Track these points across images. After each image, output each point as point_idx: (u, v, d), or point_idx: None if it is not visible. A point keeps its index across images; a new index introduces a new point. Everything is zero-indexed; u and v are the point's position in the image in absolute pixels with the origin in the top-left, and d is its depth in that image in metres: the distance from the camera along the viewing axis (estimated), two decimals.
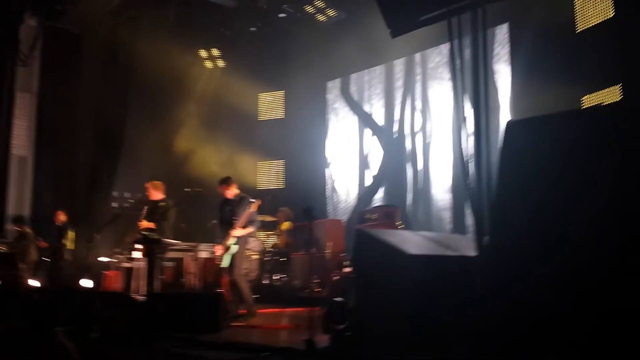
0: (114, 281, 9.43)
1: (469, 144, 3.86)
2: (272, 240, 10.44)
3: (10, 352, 5.66)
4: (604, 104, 6.92)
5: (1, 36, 12.40)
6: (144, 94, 12.74)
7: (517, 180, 3.43)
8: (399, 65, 11.73)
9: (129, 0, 11.99)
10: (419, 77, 11.30)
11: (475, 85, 3.87)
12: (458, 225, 9.84)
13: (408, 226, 9.78)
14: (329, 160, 12.88)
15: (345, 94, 12.80)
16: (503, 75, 9.59)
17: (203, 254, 9.62)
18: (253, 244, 9.97)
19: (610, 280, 2.96)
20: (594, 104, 7.67)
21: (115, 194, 12.84)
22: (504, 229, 3.44)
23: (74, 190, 13.51)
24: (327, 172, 12.85)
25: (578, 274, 3.06)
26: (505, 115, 9.10)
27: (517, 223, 3.37)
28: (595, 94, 7.80)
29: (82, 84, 13.46)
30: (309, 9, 11.56)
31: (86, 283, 8.34)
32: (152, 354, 4.33)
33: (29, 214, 12.45)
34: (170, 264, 9.56)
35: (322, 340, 4.26)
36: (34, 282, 9.68)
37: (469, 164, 3.84)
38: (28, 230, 10.86)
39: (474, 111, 3.84)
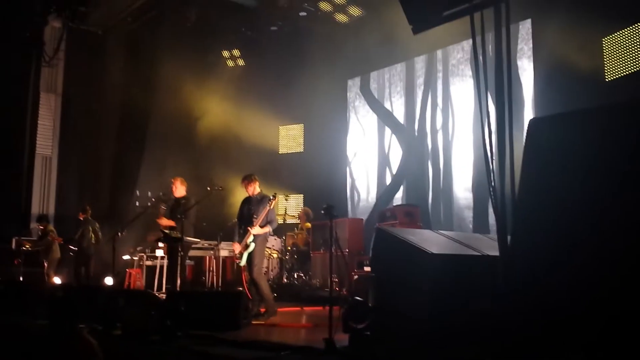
0: (137, 279, 9.55)
1: (492, 142, 3.79)
2: (292, 239, 10.44)
3: (33, 349, 5.75)
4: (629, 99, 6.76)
5: (26, 38, 12.64)
6: (166, 93, 12.85)
7: (541, 179, 3.37)
8: (419, 62, 11.63)
9: (151, 1, 12.10)
10: (440, 74, 11.19)
11: (499, 81, 3.80)
12: (480, 224, 9.71)
13: (429, 226, 9.70)
14: (349, 159, 12.84)
15: (366, 92, 12.75)
16: (527, 71, 9.45)
17: (223, 253, 9.68)
18: (273, 242, 10.00)
19: (636, 280, 2.89)
20: None
21: (138, 192, 12.98)
22: (526, 228, 3.38)
23: (97, 190, 13.71)
24: (348, 171, 12.82)
25: (602, 274, 2.99)
26: (529, 112, 8.97)
27: (540, 222, 3.31)
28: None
29: (106, 84, 13.66)
30: (329, 7, 11.53)
31: (109, 281, 8.43)
32: (173, 352, 4.35)
33: (53, 213, 12.68)
34: (191, 262, 9.64)
35: (342, 339, 4.23)
36: (57, 280, 9.85)
37: (492, 162, 3.77)
38: (51, 228, 11.04)
39: (497, 108, 3.77)
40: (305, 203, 12.75)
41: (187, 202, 7.49)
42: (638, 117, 3.12)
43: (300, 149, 13.72)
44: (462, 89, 10.58)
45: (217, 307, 5.68)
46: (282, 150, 13.88)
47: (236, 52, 13.63)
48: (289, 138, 13.96)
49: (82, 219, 10.77)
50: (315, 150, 13.01)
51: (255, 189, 6.93)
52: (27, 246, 10.76)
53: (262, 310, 6.49)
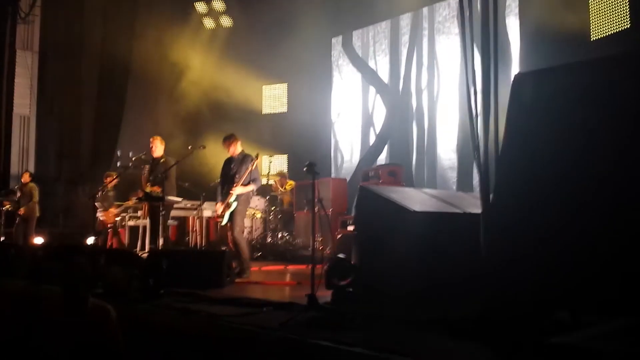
0: (119, 239, 9.50)
1: (477, 100, 3.74)
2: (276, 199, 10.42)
3: (16, 310, 5.71)
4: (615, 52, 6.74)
5: None
6: (147, 49, 12.52)
7: (524, 134, 3.33)
8: (405, 19, 11.43)
9: None
10: (425, 32, 11.02)
11: (485, 37, 3.72)
12: (463, 185, 9.77)
13: (412, 186, 9.72)
14: (333, 120, 12.74)
15: (349, 51, 12.55)
16: (513, 30, 9.33)
17: (207, 213, 9.64)
18: (256, 202, 9.97)
19: (616, 237, 2.91)
20: None
21: (119, 153, 12.79)
22: (509, 184, 3.36)
23: (77, 149, 13.49)
24: (332, 131, 12.74)
25: (585, 229, 3.00)
26: (516, 71, 8.91)
27: (523, 178, 3.29)
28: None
29: (84, 40, 13.27)
30: None
31: (90, 241, 8.38)
32: (155, 310, 4.35)
33: (33, 173, 12.46)
34: (174, 222, 9.60)
35: (325, 295, 4.26)
36: (38, 239, 9.77)
37: (476, 119, 3.73)
38: (33, 185, 10.84)
39: (483, 65, 3.70)
40: (289, 163, 12.70)
41: (167, 162, 7.39)
42: (623, 71, 3.08)
43: (284, 109, 13.57)
44: (448, 47, 10.46)
45: (200, 266, 5.67)
46: (265, 111, 13.72)
47: (220, 6, 13.27)
48: (273, 98, 13.79)
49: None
50: (299, 110, 12.87)
51: (237, 148, 6.84)
52: (8, 206, 10.59)
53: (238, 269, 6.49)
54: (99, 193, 8.59)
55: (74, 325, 3.06)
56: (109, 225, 9.42)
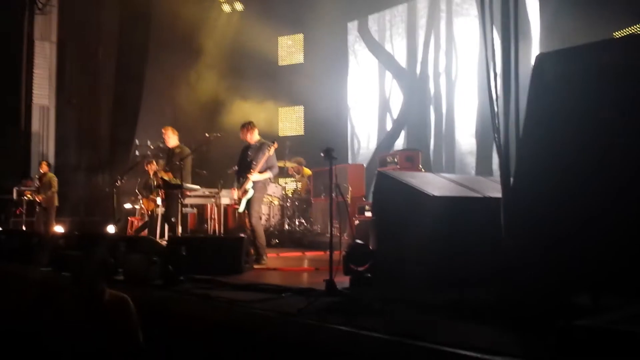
0: (138, 226, 9.60)
1: (497, 82, 3.66)
2: (293, 185, 10.42)
3: (38, 298, 5.81)
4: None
5: None
6: (164, 39, 12.55)
7: (546, 117, 3.26)
8: (422, 2, 11.27)
9: None
10: (443, 14, 10.85)
11: (505, 17, 3.63)
12: (483, 170, 9.66)
13: (430, 171, 9.64)
14: (349, 106, 12.65)
15: (366, 35, 12.42)
16: (533, 9, 9.13)
17: (225, 200, 9.69)
18: (274, 189, 9.99)
19: (638, 219, 2.84)
20: None
21: (137, 142, 12.88)
22: (530, 167, 3.30)
23: (96, 138, 13.62)
24: (348, 118, 12.66)
25: (608, 213, 2.93)
26: (536, 51, 8.73)
27: (544, 161, 3.22)
28: (627, 29, 7.40)
29: (101, 28, 13.33)
30: None
31: (110, 229, 8.47)
32: (175, 296, 4.37)
33: (53, 163, 12.64)
34: (192, 210, 9.66)
35: (343, 281, 4.25)
36: (58, 228, 9.91)
37: (497, 102, 3.65)
38: (52, 175, 11.00)
39: (503, 46, 3.62)
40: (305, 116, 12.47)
41: (182, 151, 7.42)
42: None
43: (301, 102, 13.50)
44: (467, 29, 10.28)
45: (219, 252, 5.70)
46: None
47: None
48: (289, 83, 13.73)
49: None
50: (314, 101, 12.79)
51: (254, 136, 6.84)
52: (29, 195, 10.77)
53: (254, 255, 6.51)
54: (119, 181, 8.66)
55: (92, 317, 3.08)
56: (148, 212, 9.45)
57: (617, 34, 7.47)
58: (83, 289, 3.24)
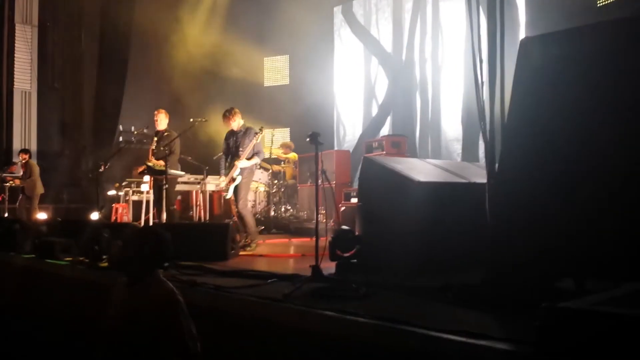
0: (123, 214, 9.51)
1: (483, 67, 3.65)
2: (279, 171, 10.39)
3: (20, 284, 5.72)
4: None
5: None
6: (148, 20, 12.35)
7: (531, 101, 3.26)
8: None
9: None
10: None
11: (491, 1, 3.62)
12: (469, 156, 9.70)
13: (416, 157, 9.66)
14: (335, 92, 12.60)
15: (351, 19, 12.33)
16: None
17: (210, 187, 9.63)
18: (260, 175, 9.95)
19: (622, 203, 2.86)
20: None
21: (121, 127, 12.73)
22: (515, 151, 3.30)
23: (79, 124, 13.44)
24: (334, 104, 12.61)
25: (593, 197, 2.95)
26: (523, 36, 8.72)
27: (530, 145, 3.23)
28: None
29: (83, 11, 13.10)
30: None
31: (94, 216, 8.38)
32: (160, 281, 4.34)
33: (35, 149, 12.46)
34: (177, 197, 9.59)
35: (329, 266, 4.25)
36: (41, 215, 9.80)
37: (483, 87, 3.64)
38: (33, 162, 10.86)
39: (489, 30, 3.60)
40: (291, 137, 12.62)
41: (170, 135, 7.35)
42: (631, 36, 2.99)
43: (286, 81, 13.44)
44: (453, 14, 10.25)
45: (205, 239, 5.68)
46: (267, 83, 13.59)
47: None
48: (274, 70, 13.65)
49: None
50: (300, 82, 12.72)
51: (238, 121, 6.78)
52: (11, 182, 10.63)
53: (246, 242, 6.51)
54: (102, 167, 8.55)
55: (138, 308, 2.84)
56: None
57: (601, 3, 7.53)
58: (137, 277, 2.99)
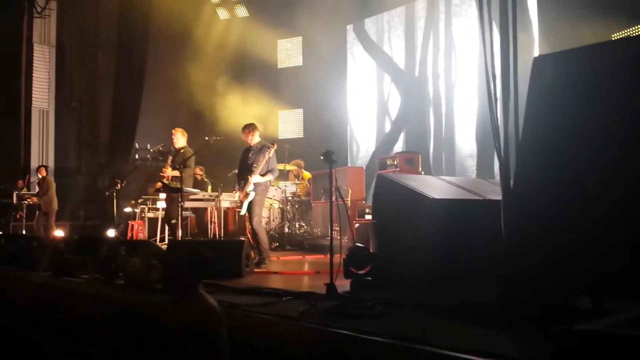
0: (139, 231, 9.58)
1: (496, 84, 3.65)
2: (293, 188, 10.42)
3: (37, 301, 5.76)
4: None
5: None
6: (163, 43, 12.57)
7: (545, 119, 3.26)
8: (421, 2, 11.26)
9: None
10: (442, 16, 10.85)
11: (504, 18, 3.63)
12: (483, 173, 9.65)
13: (430, 174, 9.63)
14: (349, 108, 12.65)
15: (363, 37, 12.43)
16: (533, 9, 9.13)
17: (225, 204, 9.68)
18: (274, 192, 9.98)
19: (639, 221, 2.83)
20: None
21: (137, 145, 12.87)
22: (529, 169, 3.30)
23: (96, 142, 13.62)
24: (348, 120, 12.65)
25: (607, 215, 2.93)
26: (537, 53, 8.71)
27: (544, 163, 3.22)
28: (625, 31, 7.44)
29: (100, 31, 13.34)
30: None
31: (110, 233, 8.46)
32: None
33: (52, 167, 12.63)
34: (190, 214, 9.65)
35: (343, 284, 4.24)
36: (59, 232, 9.90)
37: (497, 104, 3.64)
38: (50, 179, 11.01)
39: (502, 47, 3.61)
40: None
41: (186, 152, 7.44)
42: None
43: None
44: (466, 31, 10.28)
45: (220, 256, 5.67)
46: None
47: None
48: (287, 85, 13.75)
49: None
50: (314, 106, 12.78)
51: (255, 137, 6.83)
52: (29, 199, 10.77)
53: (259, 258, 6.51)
54: (119, 185, 8.65)
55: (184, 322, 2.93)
56: None
57: (616, 36, 7.49)
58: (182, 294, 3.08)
